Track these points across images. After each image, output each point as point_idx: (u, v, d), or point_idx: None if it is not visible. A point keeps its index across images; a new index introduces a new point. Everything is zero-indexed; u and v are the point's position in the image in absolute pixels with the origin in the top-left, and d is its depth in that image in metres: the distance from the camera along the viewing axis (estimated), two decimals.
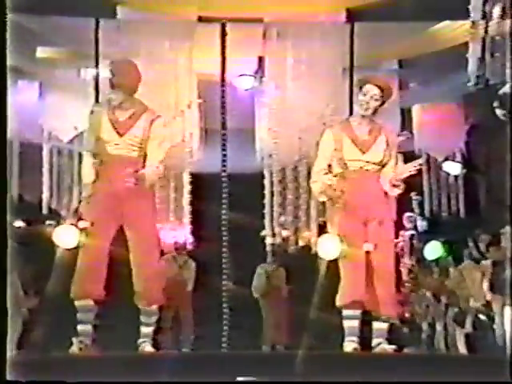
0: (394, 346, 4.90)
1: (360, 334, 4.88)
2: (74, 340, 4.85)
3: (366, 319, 4.92)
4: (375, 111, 4.93)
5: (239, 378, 3.97)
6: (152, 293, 4.92)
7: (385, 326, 4.92)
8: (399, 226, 9.34)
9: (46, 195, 9.04)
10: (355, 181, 4.91)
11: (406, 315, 9.07)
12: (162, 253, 5.30)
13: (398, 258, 9.24)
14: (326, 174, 4.98)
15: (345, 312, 4.87)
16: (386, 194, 4.95)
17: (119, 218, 4.91)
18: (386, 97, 4.92)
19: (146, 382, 3.91)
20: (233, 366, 4.10)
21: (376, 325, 4.92)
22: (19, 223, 9.94)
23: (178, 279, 9.65)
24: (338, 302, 4.87)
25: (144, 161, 4.93)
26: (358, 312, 4.85)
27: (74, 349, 4.83)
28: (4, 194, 3.90)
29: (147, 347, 4.92)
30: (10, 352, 3.99)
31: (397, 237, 9.46)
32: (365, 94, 4.91)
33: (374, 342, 4.90)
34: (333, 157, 4.97)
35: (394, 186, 4.88)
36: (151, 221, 5.02)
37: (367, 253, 4.87)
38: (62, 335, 5.04)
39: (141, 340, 4.96)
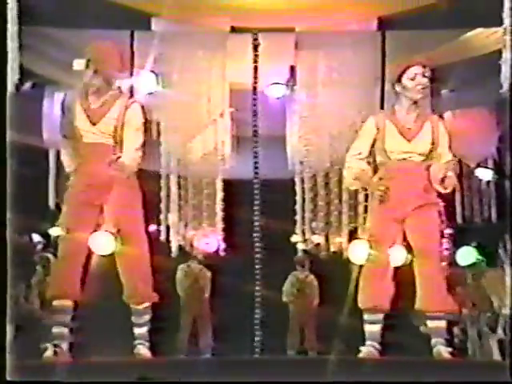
0: (450, 349, 4.66)
1: (381, 338, 4.78)
2: (48, 345, 4.59)
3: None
4: (425, 95, 4.71)
5: None
6: (140, 290, 4.65)
7: (442, 324, 4.67)
8: None
9: None
10: (397, 173, 4.65)
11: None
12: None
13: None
14: (362, 160, 4.75)
15: (366, 316, 4.75)
16: (432, 187, 4.72)
17: (99, 211, 4.67)
18: (430, 71, 4.73)
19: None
20: (265, 370, 4.16)
21: (431, 323, 4.69)
22: (57, 231, 10.09)
23: (195, 287, 9.80)
24: (360, 304, 4.77)
25: (121, 148, 4.72)
26: (379, 316, 4.72)
27: (49, 354, 4.57)
28: (4, 196, 3.93)
29: (142, 349, 4.64)
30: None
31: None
32: (412, 79, 4.68)
33: (433, 341, 4.68)
34: (375, 146, 4.75)
35: (441, 184, 4.63)
36: (134, 213, 4.75)
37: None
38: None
39: (136, 342, 4.69)
